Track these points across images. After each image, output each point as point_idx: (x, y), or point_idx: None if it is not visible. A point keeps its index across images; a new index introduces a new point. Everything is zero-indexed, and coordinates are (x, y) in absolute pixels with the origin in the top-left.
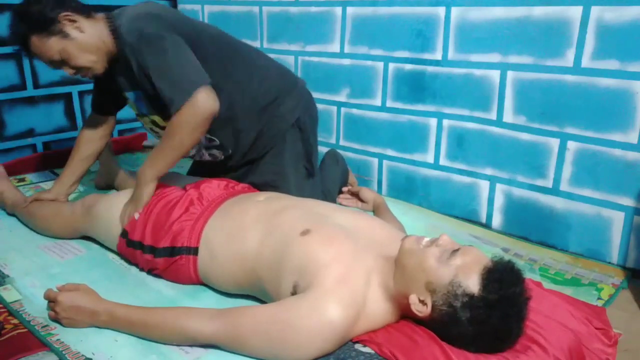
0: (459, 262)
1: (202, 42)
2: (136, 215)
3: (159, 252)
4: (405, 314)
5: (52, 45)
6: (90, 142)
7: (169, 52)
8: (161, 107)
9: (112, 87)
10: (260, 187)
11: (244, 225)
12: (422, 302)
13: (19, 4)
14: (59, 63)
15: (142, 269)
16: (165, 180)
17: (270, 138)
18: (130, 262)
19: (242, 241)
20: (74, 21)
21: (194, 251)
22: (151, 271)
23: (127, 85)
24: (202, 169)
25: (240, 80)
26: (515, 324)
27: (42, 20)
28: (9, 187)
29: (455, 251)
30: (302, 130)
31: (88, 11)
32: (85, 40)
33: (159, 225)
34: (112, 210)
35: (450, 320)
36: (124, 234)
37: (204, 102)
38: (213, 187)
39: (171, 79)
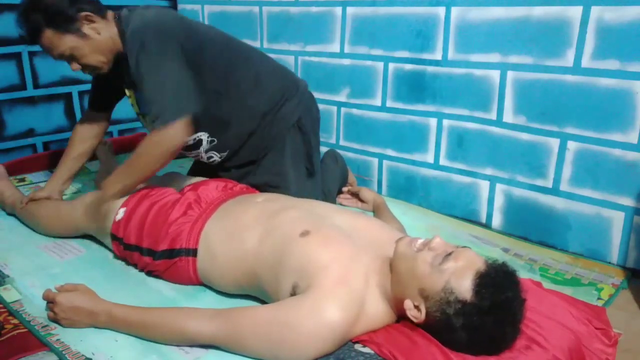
0: (451, 267)
1: (207, 50)
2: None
3: (158, 255)
4: (402, 316)
5: (67, 41)
6: (84, 140)
7: (165, 71)
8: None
9: (114, 83)
10: (261, 187)
11: (243, 226)
12: (417, 307)
13: None
14: (67, 58)
15: (141, 270)
16: (164, 181)
17: (270, 139)
18: (129, 263)
19: (241, 241)
20: (92, 21)
21: (193, 252)
22: (151, 273)
23: (129, 83)
24: (202, 169)
25: (243, 85)
26: (510, 328)
27: (61, 16)
28: (8, 187)
29: (448, 255)
30: (303, 131)
31: (104, 11)
32: (99, 41)
33: (156, 228)
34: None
35: (444, 327)
36: (115, 238)
37: (178, 134)
38: (211, 189)
39: (160, 98)
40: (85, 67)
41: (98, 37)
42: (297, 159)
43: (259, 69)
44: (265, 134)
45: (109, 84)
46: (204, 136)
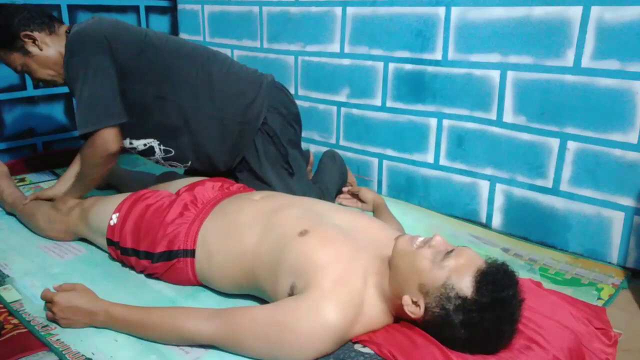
0: (452, 264)
1: (146, 56)
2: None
3: (156, 258)
4: (400, 316)
5: (15, 59)
6: None
7: (88, 80)
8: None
9: None
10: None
11: (240, 225)
12: (415, 303)
13: None
14: (25, 73)
15: (139, 273)
16: (160, 181)
17: (237, 146)
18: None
19: (239, 240)
20: (34, 39)
21: (191, 253)
22: (150, 276)
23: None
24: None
25: (190, 90)
26: (508, 327)
27: (4, 36)
28: (8, 186)
29: (448, 252)
30: (271, 135)
31: (52, 26)
32: (43, 56)
33: (153, 230)
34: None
35: (443, 323)
36: (111, 242)
37: (103, 143)
38: (207, 188)
39: (83, 106)
40: (39, 81)
41: (41, 53)
42: (274, 162)
43: (209, 74)
44: (229, 142)
45: None
46: (154, 143)
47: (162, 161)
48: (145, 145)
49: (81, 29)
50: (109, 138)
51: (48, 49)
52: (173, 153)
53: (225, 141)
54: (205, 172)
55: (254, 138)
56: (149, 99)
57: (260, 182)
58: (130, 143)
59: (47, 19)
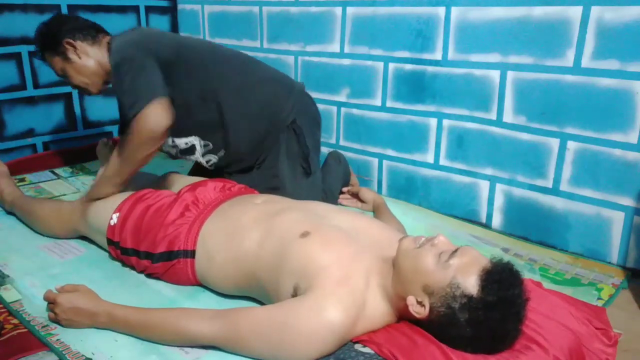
0: (457, 263)
1: (185, 58)
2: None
3: (156, 258)
4: (403, 316)
5: (56, 63)
6: None
7: (133, 71)
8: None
9: None
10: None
11: (241, 227)
12: (420, 303)
13: (43, 22)
14: (64, 76)
15: (140, 273)
16: (162, 181)
17: (264, 143)
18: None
19: (240, 242)
20: (75, 47)
21: (191, 254)
22: (150, 276)
23: None
24: (203, 170)
25: (229, 90)
26: (513, 326)
27: (49, 41)
28: (8, 185)
29: (453, 252)
30: (297, 132)
31: (96, 37)
32: (81, 64)
33: (153, 230)
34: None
35: (448, 322)
36: (111, 242)
37: (152, 117)
38: (209, 189)
39: (130, 92)
40: (74, 87)
41: (79, 61)
42: (293, 159)
43: (246, 74)
44: (259, 137)
45: None
46: (196, 141)
47: (200, 157)
48: (186, 144)
49: (123, 39)
50: (157, 111)
51: (87, 58)
52: (211, 146)
53: (255, 138)
54: (210, 172)
55: (279, 136)
56: (192, 100)
57: (271, 178)
58: (173, 141)
59: (94, 31)
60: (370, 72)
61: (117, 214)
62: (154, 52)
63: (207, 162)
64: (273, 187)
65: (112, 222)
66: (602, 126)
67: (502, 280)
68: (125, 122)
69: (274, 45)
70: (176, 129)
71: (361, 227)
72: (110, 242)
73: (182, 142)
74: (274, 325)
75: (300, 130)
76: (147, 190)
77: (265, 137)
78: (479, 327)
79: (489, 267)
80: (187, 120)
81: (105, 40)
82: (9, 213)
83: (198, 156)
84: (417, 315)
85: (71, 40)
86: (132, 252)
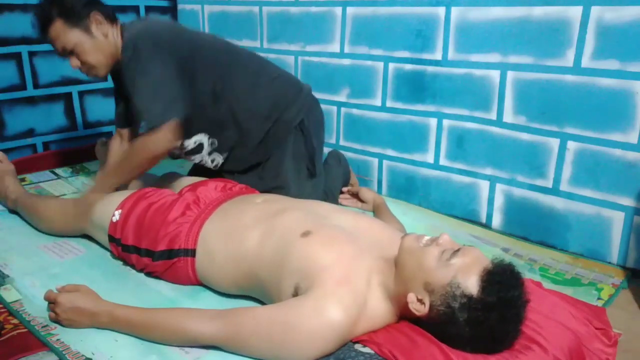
0: (458, 262)
1: (200, 54)
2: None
3: (156, 256)
4: (404, 315)
5: (72, 36)
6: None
7: (153, 77)
8: (133, 121)
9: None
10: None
11: (242, 227)
12: (420, 301)
13: None
14: (68, 53)
15: (140, 271)
16: (163, 181)
17: (273, 141)
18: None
19: (241, 242)
20: (100, 23)
21: (192, 253)
22: (150, 274)
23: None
24: (203, 169)
25: (241, 88)
26: (513, 327)
27: (74, 10)
28: (12, 183)
29: (455, 251)
30: (305, 133)
31: (115, 20)
32: (103, 42)
33: (154, 229)
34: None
35: (448, 321)
36: (113, 239)
37: (164, 139)
38: (210, 189)
39: (147, 103)
40: (83, 64)
41: (102, 39)
42: (299, 159)
43: (258, 73)
44: (267, 136)
45: (127, 100)
46: (204, 138)
47: (206, 157)
48: (195, 142)
49: (139, 29)
50: (169, 133)
51: (107, 37)
52: (217, 145)
53: (265, 137)
54: (210, 172)
55: (287, 136)
56: (204, 95)
57: (275, 178)
58: (181, 143)
59: (112, 13)
60: (370, 72)
61: (120, 211)
62: (171, 47)
63: (212, 161)
64: (277, 187)
65: (114, 219)
66: (602, 126)
67: (502, 282)
68: (133, 112)
69: (274, 45)
70: (186, 129)
71: (362, 227)
72: (111, 238)
73: (191, 142)
74: (275, 325)
75: (308, 131)
76: (149, 189)
77: (274, 136)
78: (478, 327)
79: (490, 267)
80: (198, 118)
81: (119, 25)
82: (12, 212)
83: (204, 155)
84: (416, 313)
85: (99, 16)
86: (133, 250)
